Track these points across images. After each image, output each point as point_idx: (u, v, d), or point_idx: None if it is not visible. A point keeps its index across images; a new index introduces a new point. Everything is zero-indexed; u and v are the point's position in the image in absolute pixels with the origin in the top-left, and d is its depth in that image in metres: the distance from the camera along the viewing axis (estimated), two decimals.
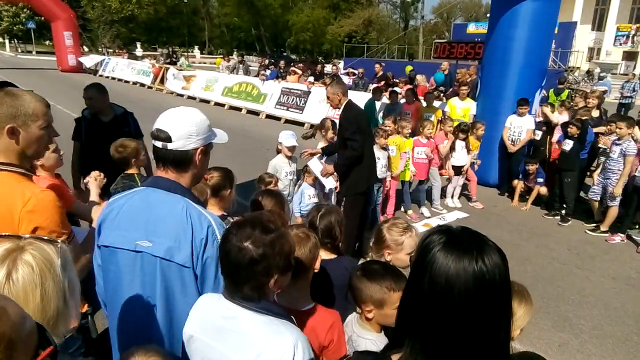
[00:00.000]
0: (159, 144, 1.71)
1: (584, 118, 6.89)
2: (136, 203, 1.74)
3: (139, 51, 37.00)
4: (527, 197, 7.52)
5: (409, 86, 13.59)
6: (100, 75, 25.51)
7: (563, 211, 6.90)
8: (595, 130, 7.14)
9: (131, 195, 1.78)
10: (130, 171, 3.47)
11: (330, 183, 4.92)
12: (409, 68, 16.84)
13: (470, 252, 0.95)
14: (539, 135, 7.59)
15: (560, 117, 7.92)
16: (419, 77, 14.48)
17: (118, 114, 4.49)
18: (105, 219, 1.77)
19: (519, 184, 7.46)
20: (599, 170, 6.46)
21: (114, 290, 1.77)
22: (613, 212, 6.26)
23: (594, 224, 6.57)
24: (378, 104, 9.84)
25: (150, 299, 1.70)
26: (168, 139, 1.69)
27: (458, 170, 7.25)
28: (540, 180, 7.19)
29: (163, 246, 1.66)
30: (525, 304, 1.91)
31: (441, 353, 0.97)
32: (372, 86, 14.17)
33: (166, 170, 1.76)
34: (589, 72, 25.62)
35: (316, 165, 4.84)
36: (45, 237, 1.22)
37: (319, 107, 13.81)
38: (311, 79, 15.06)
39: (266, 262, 1.41)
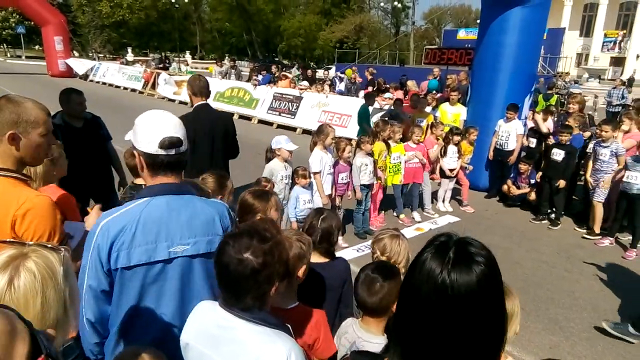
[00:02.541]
0: (172, 151, 1.72)
1: (576, 124, 6.98)
2: (153, 214, 1.71)
3: (129, 56, 36.83)
4: (517, 203, 7.61)
5: (400, 91, 13.71)
6: (91, 81, 25.39)
7: (552, 215, 6.98)
8: (584, 135, 7.24)
9: (139, 208, 1.71)
10: (139, 181, 3.32)
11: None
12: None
13: (442, 263, 0.93)
14: (533, 142, 7.65)
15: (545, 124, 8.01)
16: (409, 82, 14.61)
17: (88, 118, 4.50)
18: (116, 240, 1.66)
19: (509, 184, 7.53)
20: (589, 173, 6.53)
21: (137, 306, 1.72)
22: (599, 210, 6.35)
23: (588, 228, 6.66)
24: (371, 109, 9.89)
25: (194, 300, 1.70)
26: (180, 144, 1.74)
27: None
28: (533, 181, 7.27)
29: (202, 243, 1.75)
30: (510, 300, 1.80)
31: (416, 358, 0.98)
32: (362, 92, 14.30)
33: (173, 175, 1.77)
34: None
35: None
36: (49, 245, 1.21)
37: (311, 112, 13.86)
38: (305, 83, 15.12)
39: (268, 270, 1.41)
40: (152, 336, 1.72)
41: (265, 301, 1.47)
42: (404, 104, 9.97)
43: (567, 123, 7.12)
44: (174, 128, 1.74)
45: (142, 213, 1.69)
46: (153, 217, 1.70)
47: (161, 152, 1.70)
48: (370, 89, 14.82)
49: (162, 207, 1.72)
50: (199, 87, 4.17)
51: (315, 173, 5.24)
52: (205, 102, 4.23)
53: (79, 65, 26.94)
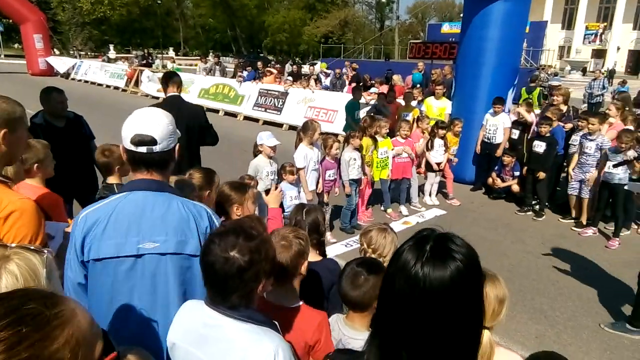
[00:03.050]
0: (143, 149, 1.70)
1: (554, 117, 7.07)
2: (127, 209, 1.71)
3: (112, 53, 36.32)
4: (502, 195, 7.70)
5: (385, 86, 13.73)
6: (73, 79, 24.97)
7: (537, 206, 7.08)
8: (565, 127, 7.34)
9: (115, 202, 1.73)
10: (111, 180, 3.30)
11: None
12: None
13: (417, 256, 0.94)
14: (516, 134, 7.74)
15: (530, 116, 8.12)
16: (395, 77, 14.63)
17: (70, 117, 4.46)
18: (89, 232, 1.70)
19: (494, 177, 7.63)
20: (572, 166, 6.63)
21: (109, 302, 1.73)
22: (585, 204, 6.48)
23: (572, 219, 6.77)
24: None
25: (162, 299, 1.70)
26: (153, 142, 1.70)
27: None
28: (517, 173, 7.37)
29: (172, 242, 1.70)
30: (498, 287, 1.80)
31: (392, 351, 0.99)
32: (346, 87, 14.30)
33: (150, 172, 1.76)
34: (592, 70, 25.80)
35: None
36: (32, 247, 1.20)
37: (297, 108, 13.82)
38: (290, 78, 15.06)
39: (254, 268, 1.41)
40: (128, 333, 1.71)
41: (251, 299, 1.47)
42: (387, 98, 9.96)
43: (545, 115, 7.22)
44: (150, 126, 1.71)
45: (117, 207, 1.71)
46: (126, 212, 1.70)
47: (132, 148, 1.70)
48: (353, 84, 14.83)
49: (137, 202, 1.72)
50: (169, 77, 4.51)
51: (299, 169, 5.24)
52: (177, 93, 4.47)
53: (60, 63, 26.47)
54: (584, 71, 37.64)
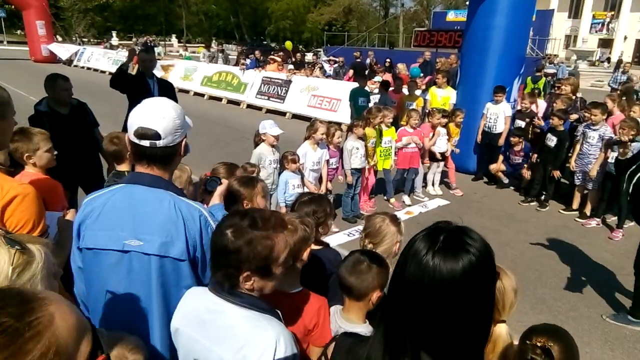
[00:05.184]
0: (146, 142, 1.63)
1: (563, 107, 7.01)
2: (119, 202, 1.68)
3: (114, 40, 36.16)
4: (505, 183, 7.66)
5: (388, 74, 13.62)
6: (75, 66, 24.92)
7: (542, 197, 7.06)
8: (571, 118, 7.27)
9: (111, 193, 1.71)
10: (122, 168, 3.22)
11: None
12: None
13: (429, 246, 0.94)
14: (522, 124, 7.67)
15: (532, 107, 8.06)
16: (399, 65, 14.49)
17: (74, 104, 4.46)
18: (85, 220, 1.69)
19: (500, 162, 7.59)
20: (574, 157, 6.59)
21: (98, 291, 1.72)
22: (593, 195, 6.44)
23: (572, 210, 6.74)
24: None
25: (144, 297, 1.68)
26: (157, 137, 1.63)
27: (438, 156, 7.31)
28: (524, 156, 7.34)
29: (156, 243, 1.63)
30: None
31: (397, 337, 1.00)
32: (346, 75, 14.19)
33: (151, 167, 1.70)
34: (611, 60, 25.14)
35: None
36: (9, 237, 1.19)
37: (300, 96, 13.76)
38: (290, 67, 14.97)
39: (237, 255, 1.39)
40: (119, 327, 1.68)
41: (234, 284, 1.43)
42: (390, 88, 9.84)
43: (556, 105, 7.14)
44: (155, 119, 1.63)
45: (111, 199, 1.69)
46: (117, 205, 1.67)
47: (135, 140, 1.65)
48: (351, 72, 14.67)
49: (130, 196, 1.68)
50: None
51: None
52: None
53: (62, 50, 26.38)
54: (608, 61, 37.13)
